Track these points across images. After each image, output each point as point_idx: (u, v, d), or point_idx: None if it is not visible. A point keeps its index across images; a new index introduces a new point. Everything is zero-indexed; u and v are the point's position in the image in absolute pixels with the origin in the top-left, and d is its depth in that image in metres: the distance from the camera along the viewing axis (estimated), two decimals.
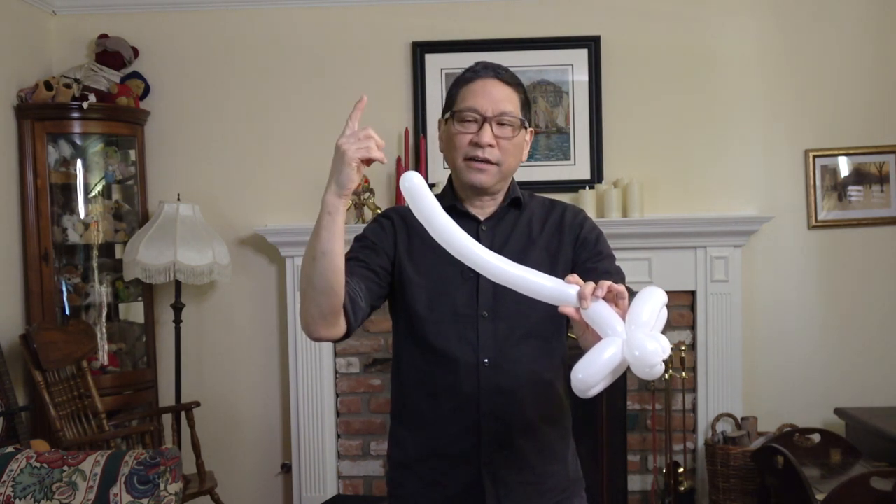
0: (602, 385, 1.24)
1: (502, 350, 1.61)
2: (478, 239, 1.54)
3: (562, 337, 1.72)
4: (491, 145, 1.60)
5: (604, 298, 1.25)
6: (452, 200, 1.68)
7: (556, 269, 1.62)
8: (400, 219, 1.70)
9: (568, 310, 1.26)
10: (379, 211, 3.49)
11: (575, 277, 1.28)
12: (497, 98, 1.61)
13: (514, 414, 1.62)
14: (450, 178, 1.72)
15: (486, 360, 1.60)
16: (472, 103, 1.61)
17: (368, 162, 1.41)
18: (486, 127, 1.60)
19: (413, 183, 1.31)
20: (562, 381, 1.72)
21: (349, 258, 1.62)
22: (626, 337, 1.22)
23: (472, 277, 1.60)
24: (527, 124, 1.66)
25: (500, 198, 1.69)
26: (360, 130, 1.40)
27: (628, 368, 1.24)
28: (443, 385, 1.62)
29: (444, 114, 1.69)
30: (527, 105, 1.67)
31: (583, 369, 1.22)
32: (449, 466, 1.64)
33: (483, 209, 1.68)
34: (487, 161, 1.60)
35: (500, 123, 1.61)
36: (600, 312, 1.24)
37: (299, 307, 1.54)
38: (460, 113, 1.62)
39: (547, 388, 1.67)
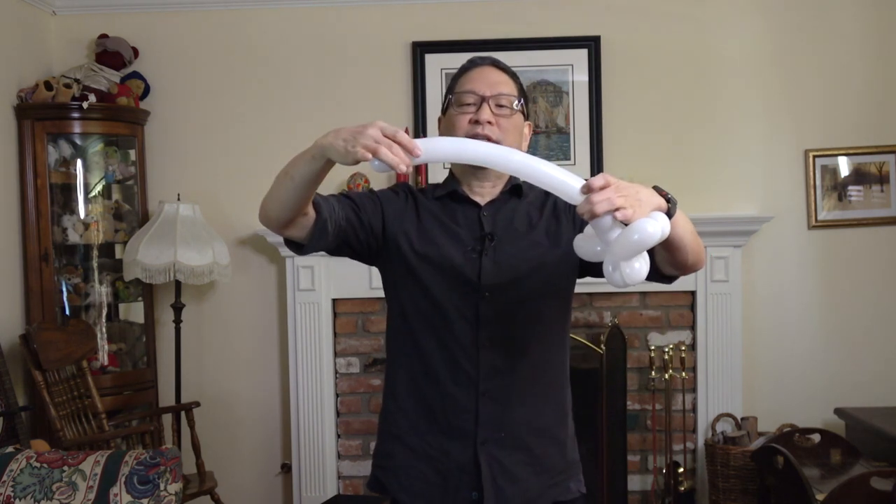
0: (629, 268, 1.29)
1: (504, 331, 1.62)
2: (479, 225, 1.61)
3: (566, 324, 1.73)
4: (490, 122, 1.62)
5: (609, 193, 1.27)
6: (453, 186, 1.69)
7: (558, 250, 1.64)
8: (411, 195, 1.72)
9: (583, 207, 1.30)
10: None
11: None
12: (494, 81, 1.65)
13: (513, 395, 1.63)
14: (450, 170, 1.74)
15: (487, 340, 1.61)
16: (469, 87, 1.65)
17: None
18: (485, 106, 1.62)
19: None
20: (564, 365, 1.73)
21: (347, 195, 1.65)
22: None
23: (474, 258, 1.62)
24: (525, 110, 1.68)
25: (500, 185, 1.70)
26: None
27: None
28: (442, 362, 1.63)
29: (443, 105, 1.72)
30: (523, 95, 1.69)
31: (609, 259, 1.30)
32: (444, 442, 1.64)
33: (483, 195, 1.69)
34: (488, 139, 1.61)
35: (499, 105, 1.63)
36: (604, 220, 1.29)
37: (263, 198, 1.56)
38: (459, 96, 1.65)
39: (547, 372, 1.69)
